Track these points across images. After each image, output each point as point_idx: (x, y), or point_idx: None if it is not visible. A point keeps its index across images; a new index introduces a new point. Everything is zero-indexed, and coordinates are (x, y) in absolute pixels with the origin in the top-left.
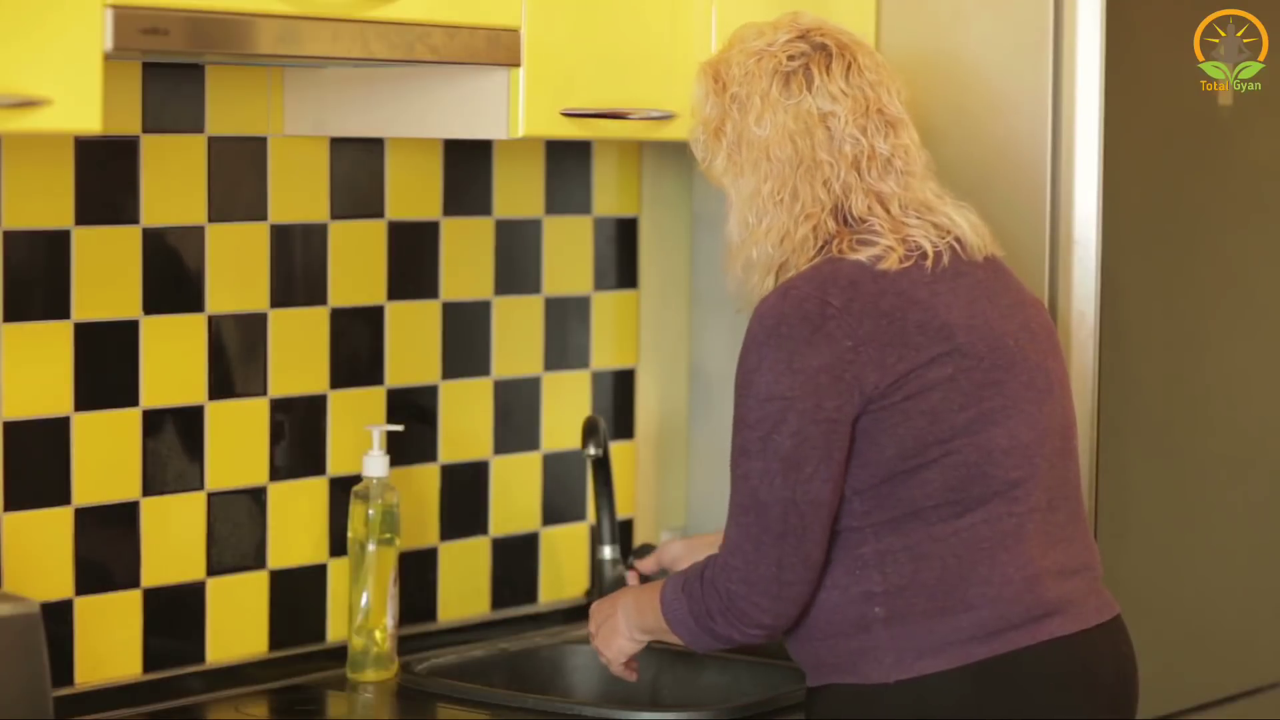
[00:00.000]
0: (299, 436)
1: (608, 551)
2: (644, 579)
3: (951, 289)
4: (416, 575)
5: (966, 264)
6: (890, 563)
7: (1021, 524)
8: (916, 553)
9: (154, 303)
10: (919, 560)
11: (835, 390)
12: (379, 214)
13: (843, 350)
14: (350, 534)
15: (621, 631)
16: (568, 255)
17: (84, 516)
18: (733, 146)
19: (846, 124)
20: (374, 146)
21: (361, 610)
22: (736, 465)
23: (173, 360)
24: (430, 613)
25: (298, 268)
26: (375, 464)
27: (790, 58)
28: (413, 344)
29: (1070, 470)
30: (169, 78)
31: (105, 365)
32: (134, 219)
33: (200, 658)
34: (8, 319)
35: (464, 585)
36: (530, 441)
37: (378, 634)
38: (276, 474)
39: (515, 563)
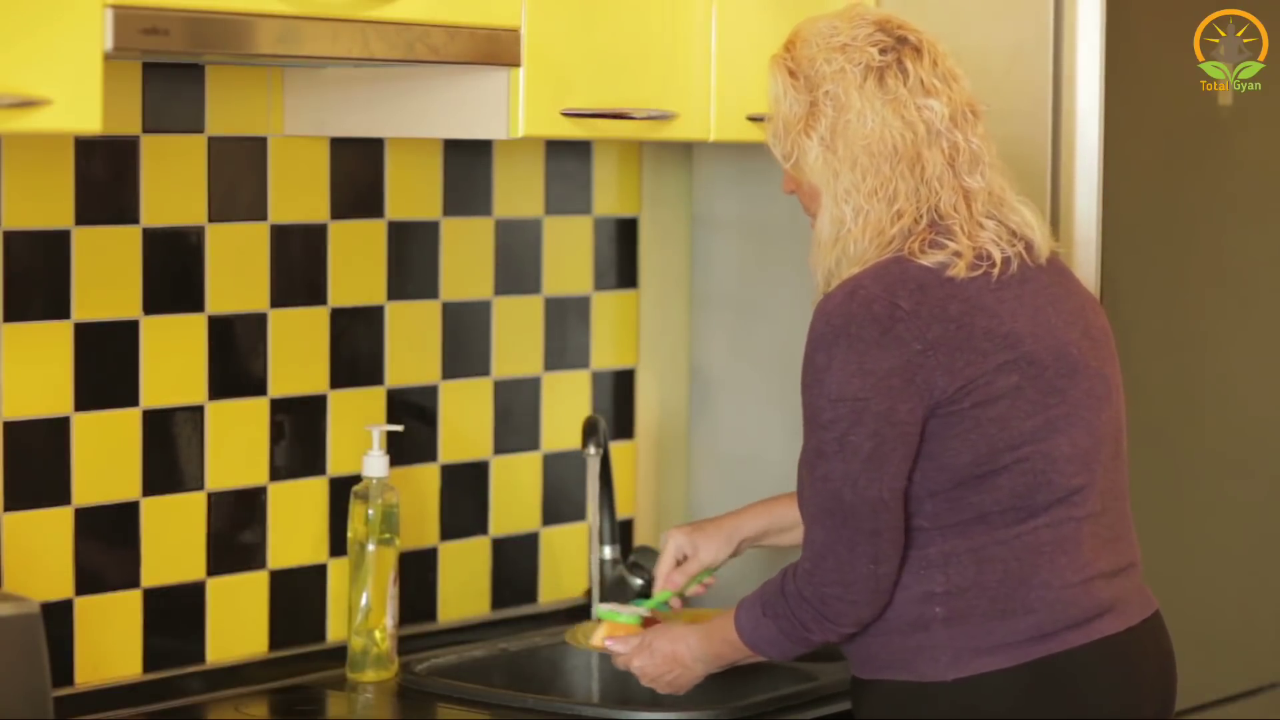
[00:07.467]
0: (299, 436)
1: (608, 552)
2: (684, 600)
3: (1017, 296)
4: (416, 575)
5: (1032, 269)
6: (954, 564)
7: (1079, 528)
8: (981, 555)
9: (154, 303)
10: (982, 563)
11: (907, 394)
12: (379, 214)
13: (912, 353)
14: (350, 534)
15: (696, 673)
16: (568, 255)
17: (84, 516)
18: (828, 144)
19: (942, 118)
20: (374, 146)
21: (361, 610)
22: (814, 467)
23: (173, 360)
24: (430, 613)
25: (298, 268)
26: (375, 464)
27: (882, 51)
28: (413, 344)
29: (1121, 473)
30: (169, 78)
31: (105, 365)
32: (134, 219)
33: (200, 658)
34: (8, 319)
35: (464, 585)
36: (530, 441)
37: (377, 634)
38: (276, 474)
39: (515, 563)
